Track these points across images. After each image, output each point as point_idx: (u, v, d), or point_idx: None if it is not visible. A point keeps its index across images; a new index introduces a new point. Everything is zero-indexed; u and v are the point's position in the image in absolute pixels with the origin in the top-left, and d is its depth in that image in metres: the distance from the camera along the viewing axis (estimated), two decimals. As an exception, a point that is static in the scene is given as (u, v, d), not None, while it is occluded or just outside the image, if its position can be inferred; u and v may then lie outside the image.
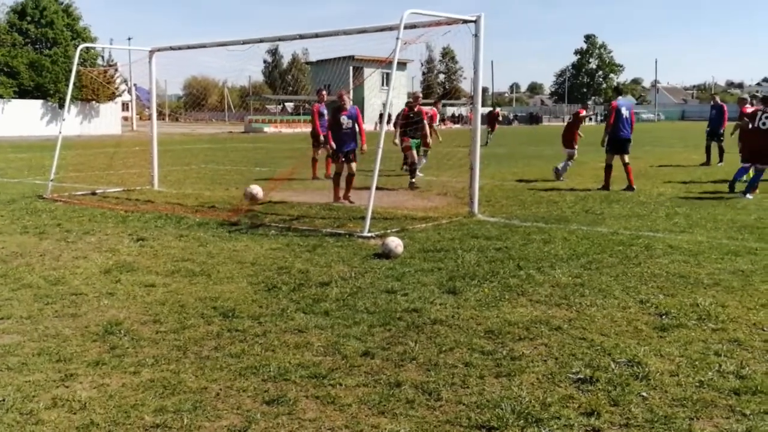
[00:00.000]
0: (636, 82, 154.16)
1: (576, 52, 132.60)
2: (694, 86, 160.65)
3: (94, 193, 14.60)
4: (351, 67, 56.24)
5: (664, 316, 5.82)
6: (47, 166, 16.85)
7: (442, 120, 78.40)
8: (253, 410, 4.08)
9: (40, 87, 51.87)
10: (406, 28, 10.35)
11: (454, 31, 11.07)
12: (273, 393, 4.30)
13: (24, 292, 6.63)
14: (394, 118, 17.06)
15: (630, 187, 14.69)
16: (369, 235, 9.36)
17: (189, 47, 15.29)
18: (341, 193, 12.84)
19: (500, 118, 48.88)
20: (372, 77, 66.00)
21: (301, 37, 13.31)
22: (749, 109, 16.19)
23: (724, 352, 4.96)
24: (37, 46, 56.49)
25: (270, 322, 5.69)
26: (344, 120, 12.52)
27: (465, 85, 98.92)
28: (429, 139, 16.84)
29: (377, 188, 10.22)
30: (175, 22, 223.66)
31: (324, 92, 17.48)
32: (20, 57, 51.85)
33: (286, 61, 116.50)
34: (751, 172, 14.34)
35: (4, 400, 4.19)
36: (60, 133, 15.38)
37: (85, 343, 5.23)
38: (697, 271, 7.38)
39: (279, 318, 5.81)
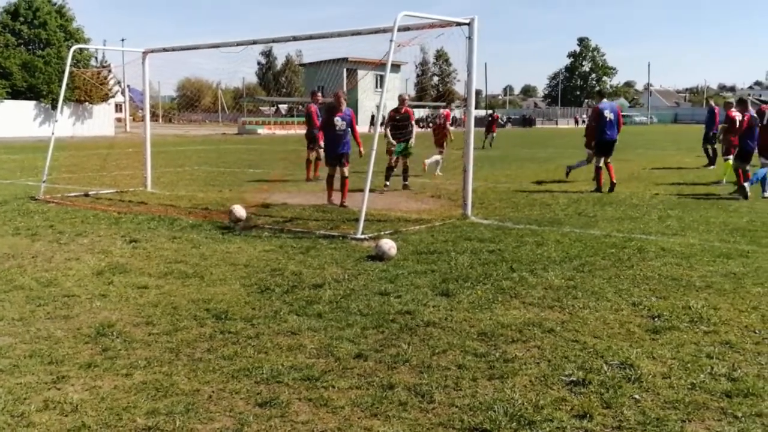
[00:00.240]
0: (629, 84, 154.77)
1: (569, 55, 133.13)
2: (686, 89, 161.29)
3: (86, 195, 14.56)
4: (345, 69, 56.26)
5: (656, 319, 5.84)
6: (40, 167, 16.81)
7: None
8: (245, 412, 4.07)
9: (32, 88, 51.71)
10: (399, 30, 10.36)
11: (448, 34, 11.09)
12: (266, 395, 4.30)
13: (16, 294, 6.61)
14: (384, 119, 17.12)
15: (612, 186, 14.91)
16: (362, 237, 9.36)
17: (182, 49, 15.27)
18: (336, 198, 12.73)
19: (501, 121, 48.93)
20: (366, 79, 66.05)
21: (295, 38, 13.31)
22: (734, 112, 16.27)
23: (716, 355, 4.98)
24: (30, 47, 56.33)
25: (263, 324, 5.69)
26: (338, 121, 12.43)
27: (459, 88, 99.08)
28: (448, 138, 18.09)
29: (371, 190, 10.22)
30: (168, 24, 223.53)
31: (319, 94, 17.48)
32: (13, 58, 51.69)
33: (279, 62, 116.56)
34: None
35: (-5, 402, 4.17)
36: (53, 134, 15.35)
37: (77, 345, 5.21)
38: (690, 273, 7.41)
39: (272, 320, 5.80)
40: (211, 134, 58.38)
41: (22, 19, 55.65)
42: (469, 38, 10.94)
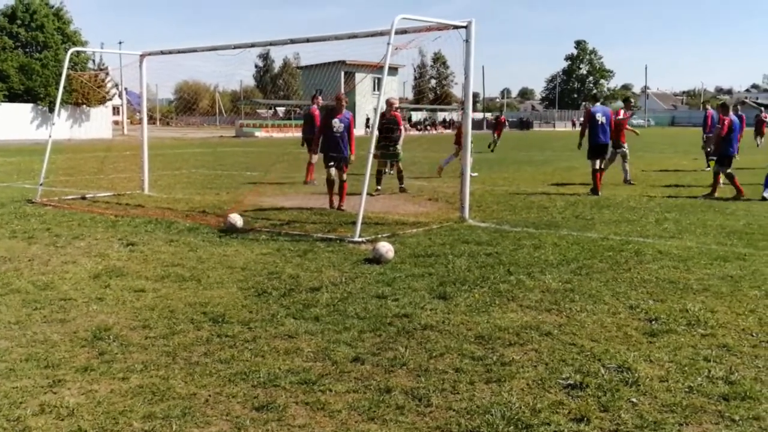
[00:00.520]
0: (626, 87, 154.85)
1: (567, 58, 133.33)
2: (683, 92, 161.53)
3: (83, 198, 14.53)
4: (342, 72, 56.27)
5: (653, 322, 5.84)
6: (37, 170, 16.79)
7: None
8: (242, 416, 4.06)
9: (30, 91, 51.68)
10: (397, 33, 10.36)
11: (445, 37, 11.11)
12: (262, 399, 4.29)
13: (12, 297, 6.59)
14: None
15: (595, 191, 15.04)
16: (360, 240, 9.35)
17: (180, 51, 15.27)
18: (336, 201, 12.64)
19: (506, 124, 48.85)
20: (363, 82, 66.11)
21: (293, 41, 13.31)
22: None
23: (713, 358, 4.98)
24: (28, 50, 56.26)
25: (260, 328, 5.68)
26: (336, 123, 12.34)
27: (456, 90, 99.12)
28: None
29: (369, 194, 10.22)
30: (166, 27, 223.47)
31: (319, 97, 17.49)
32: (10, 60, 51.66)
33: (277, 65, 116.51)
34: None
35: (-9, 406, 4.16)
36: (50, 136, 15.32)
37: (74, 348, 5.20)
38: (687, 276, 7.41)
39: (269, 323, 5.79)
40: (208, 137, 58.37)
41: (19, 21, 55.58)
42: (467, 41, 10.95)
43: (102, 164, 22.66)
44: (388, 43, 10.14)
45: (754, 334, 5.51)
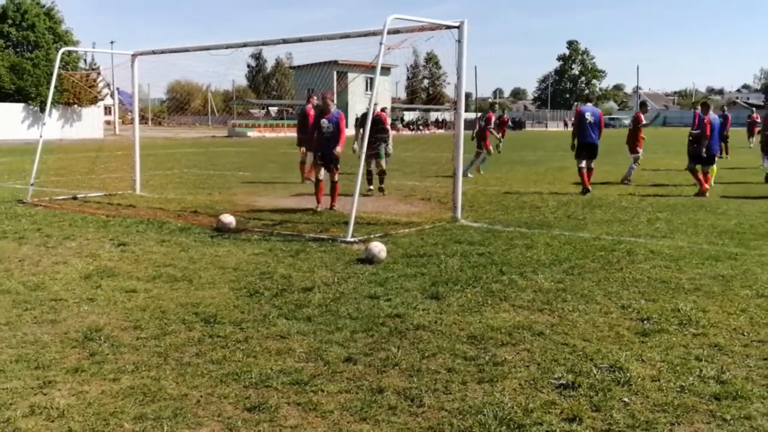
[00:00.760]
0: (618, 88, 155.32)
1: (559, 58, 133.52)
2: (675, 92, 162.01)
3: (75, 198, 14.47)
4: (335, 72, 56.24)
5: (645, 321, 5.85)
6: (28, 170, 16.70)
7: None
8: (234, 417, 4.05)
9: (21, 90, 51.42)
10: (389, 33, 10.36)
11: (438, 37, 11.11)
12: (254, 399, 4.27)
13: (2, 298, 6.55)
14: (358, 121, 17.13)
15: (585, 190, 15.17)
16: (352, 240, 9.34)
17: (172, 51, 15.24)
18: (326, 202, 12.56)
19: (510, 124, 48.89)
20: (356, 82, 66.07)
21: (285, 41, 13.29)
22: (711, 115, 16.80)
23: (704, 357, 4.99)
24: (19, 49, 55.94)
25: (252, 328, 5.66)
26: (325, 124, 12.25)
27: (449, 90, 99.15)
28: (495, 138, 18.31)
29: (361, 194, 10.21)
30: (158, 26, 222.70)
31: (314, 97, 17.46)
32: (1, 60, 51.38)
33: (269, 65, 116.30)
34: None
35: (-20, 407, 4.13)
36: (41, 136, 15.26)
37: (65, 349, 5.17)
38: (678, 276, 7.43)
39: (261, 324, 5.78)
40: (200, 137, 58.22)
41: (10, 21, 55.26)
42: (459, 41, 10.96)
43: (93, 164, 22.56)
44: (381, 43, 10.14)
45: (745, 334, 5.53)
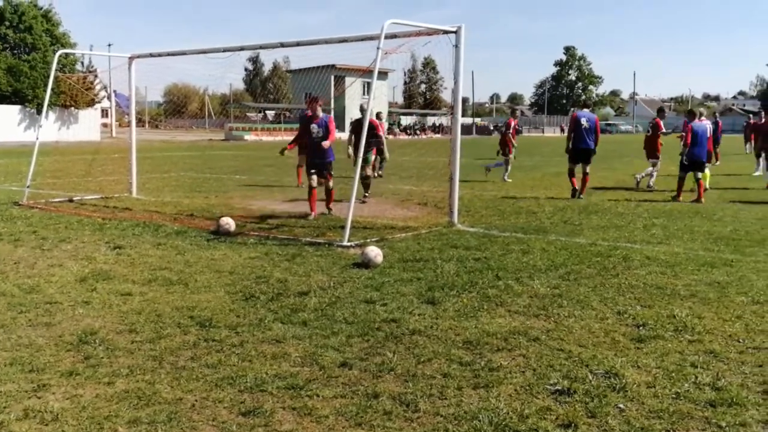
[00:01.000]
0: (615, 93, 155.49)
1: (556, 64, 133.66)
2: (671, 98, 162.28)
3: (71, 200, 14.45)
4: (332, 76, 56.27)
5: (641, 328, 5.85)
6: (24, 172, 16.66)
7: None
8: (228, 422, 4.04)
9: (17, 92, 51.36)
10: (387, 38, 10.37)
11: (435, 42, 11.11)
12: (249, 404, 4.26)
13: (-3, 301, 6.53)
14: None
15: (579, 195, 15.34)
16: (349, 244, 9.34)
17: (169, 54, 15.23)
18: (321, 208, 12.38)
19: (519, 128, 48.16)
20: (353, 86, 66.13)
21: (282, 45, 13.28)
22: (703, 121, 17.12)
23: (700, 364, 4.99)
24: (16, 51, 55.93)
25: (247, 332, 5.65)
26: (314, 129, 12.07)
27: (446, 95, 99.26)
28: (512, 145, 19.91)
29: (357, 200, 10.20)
30: (155, 29, 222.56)
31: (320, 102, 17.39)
32: (-2, 62, 51.35)
33: (267, 69, 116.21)
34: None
35: (-26, 411, 4.12)
36: (37, 139, 15.25)
37: (59, 352, 5.16)
38: (674, 282, 7.44)
39: (256, 328, 5.77)
40: (197, 140, 58.17)
41: (7, 23, 55.25)
42: (456, 46, 10.97)
43: (90, 167, 22.53)
44: (378, 48, 10.14)
45: (740, 341, 5.53)
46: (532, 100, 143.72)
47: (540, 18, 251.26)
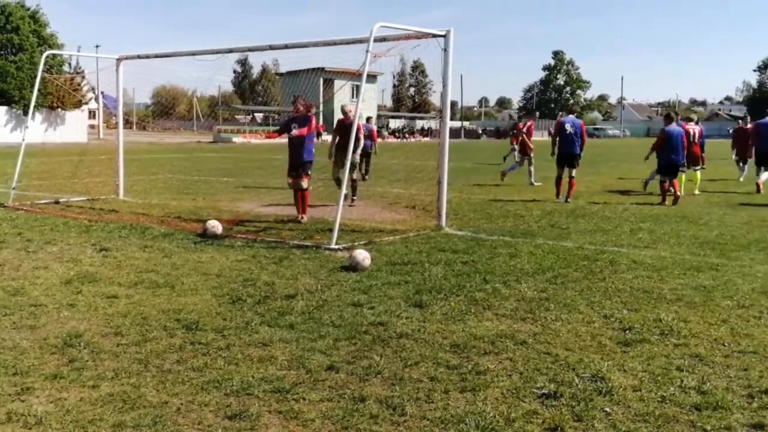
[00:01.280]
0: (602, 98, 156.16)
1: (544, 68, 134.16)
2: (658, 103, 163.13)
3: (57, 202, 14.36)
4: (321, 79, 56.15)
5: (627, 331, 5.87)
6: (9, 173, 16.56)
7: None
8: (214, 425, 4.02)
9: (4, 93, 51.05)
10: (376, 41, 10.38)
11: (424, 45, 11.13)
12: (235, 407, 4.24)
13: (-19, 303, 6.48)
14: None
15: (566, 199, 15.46)
16: (336, 247, 9.33)
17: (157, 56, 15.18)
18: (308, 211, 12.17)
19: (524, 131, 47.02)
20: (343, 89, 66.05)
21: (271, 47, 13.30)
22: (688, 125, 17.68)
23: (685, 367, 5.02)
24: (2, 52, 55.45)
25: (234, 335, 5.63)
26: (294, 127, 11.77)
27: (434, 99, 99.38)
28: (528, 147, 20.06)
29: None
30: (144, 30, 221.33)
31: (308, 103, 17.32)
32: (-16, 63, 51.00)
33: (256, 71, 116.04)
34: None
35: (-44, 414, 4.07)
36: (23, 140, 15.15)
37: (43, 355, 5.11)
38: (660, 286, 7.47)
39: (243, 331, 5.74)
40: (185, 142, 58.00)
41: (-6, 24, 54.86)
42: (445, 50, 10.99)
43: (76, 168, 22.39)
44: (367, 51, 10.15)
45: (726, 344, 5.56)
46: (521, 104, 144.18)
47: (529, 22, 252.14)
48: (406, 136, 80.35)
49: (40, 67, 15.56)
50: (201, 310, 6.34)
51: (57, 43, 57.85)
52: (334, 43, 11.86)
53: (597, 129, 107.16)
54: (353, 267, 8.04)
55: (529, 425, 4.05)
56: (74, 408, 4.19)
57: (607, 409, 4.28)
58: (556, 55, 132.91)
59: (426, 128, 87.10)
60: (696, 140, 17.69)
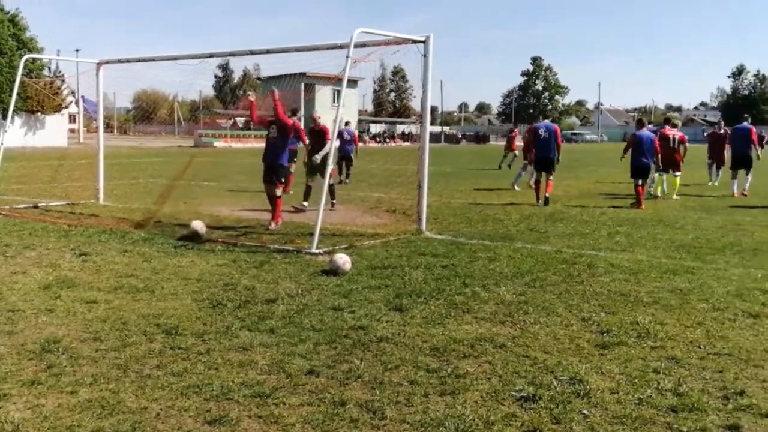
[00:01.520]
0: (580, 103, 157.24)
1: (523, 74, 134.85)
2: (635, 109, 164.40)
3: (36, 207, 14.23)
4: (303, 84, 56.08)
5: (605, 334, 5.93)
6: (-13, 178, 16.39)
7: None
8: (194, 430, 4.02)
9: (-19, 97, 50.48)
10: (356, 46, 10.41)
11: (404, 51, 11.19)
12: (215, 412, 4.24)
13: (-42, 309, 6.41)
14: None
15: (546, 201, 15.67)
16: (317, 251, 9.33)
17: (138, 60, 15.11)
18: (278, 219, 11.76)
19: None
20: (323, 94, 66.04)
21: (252, 52, 13.27)
22: (668, 130, 18.05)
23: (662, 370, 5.08)
24: (-20, 56, 54.92)
25: (214, 340, 5.62)
26: (272, 130, 11.61)
27: (415, 104, 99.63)
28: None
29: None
30: (124, 34, 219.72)
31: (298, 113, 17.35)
32: (-38, 66, 50.42)
33: (237, 76, 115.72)
34: None
35: (-68, 421, 4.04)
36: (2, 144, 14.98)
37: (21, 361, 5.08)
38: (637, 289, 7.55)
39: (223, 335, 5.74)
40: (166, 146, 57.60)
41: (-28, 27, 54.26)
42: (425, 56, 11.04)
43: (56, 173, 22.16)
44: (348, 56, 10.17)
45: (701, 347, 5.64)
46: (500, 109, 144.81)
47: (508, 28, 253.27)
48: (387, 140, 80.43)
49: (20, 71, 15.43)
50: (181, 315, 6.32)
51: (37, 47, 57.26)
52: (316, 48, 11.88)
53: (575, 134, 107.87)
54: (334, 271, 8.05)
55: (508, 428, 4.09)
56: (52, 414, 4.17)
57: (585, 412, 4.33)
58: (535, 61, 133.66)
59: (406, 133, 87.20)
60: (676, 146, 17.88)
